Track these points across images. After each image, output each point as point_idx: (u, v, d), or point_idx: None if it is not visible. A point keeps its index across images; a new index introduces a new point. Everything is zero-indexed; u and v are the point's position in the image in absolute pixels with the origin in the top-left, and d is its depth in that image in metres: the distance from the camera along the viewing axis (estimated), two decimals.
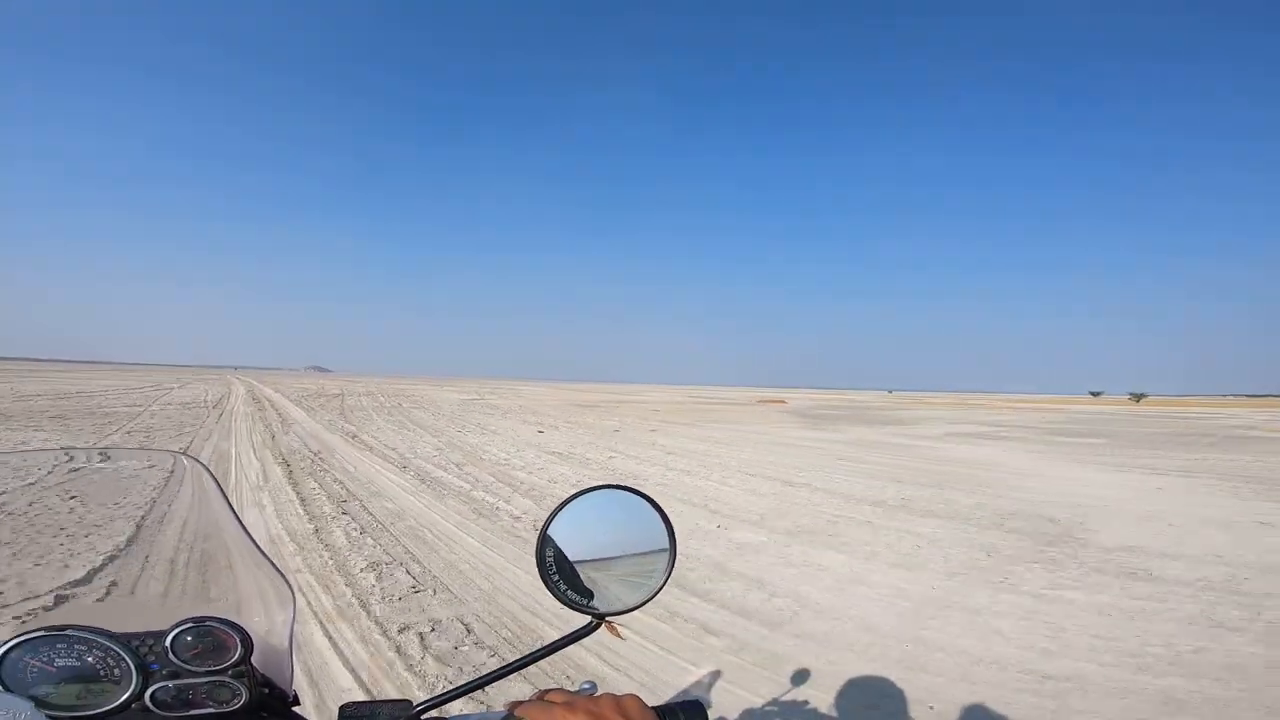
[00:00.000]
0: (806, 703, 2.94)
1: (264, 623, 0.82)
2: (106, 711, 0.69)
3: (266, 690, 0.77)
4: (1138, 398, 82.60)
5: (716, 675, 3.16)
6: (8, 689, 0.66)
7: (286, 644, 0.81)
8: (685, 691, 2.98)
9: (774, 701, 2.94)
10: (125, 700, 0.69)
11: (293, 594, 0.84)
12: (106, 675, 0.69)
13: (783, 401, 53.38)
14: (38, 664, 0.68)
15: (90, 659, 0.69)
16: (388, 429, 16.35)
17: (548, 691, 0.67)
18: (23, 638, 0.68)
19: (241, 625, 0.74)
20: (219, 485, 0.94)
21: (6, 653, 0.67)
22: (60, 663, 0.68)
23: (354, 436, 14.22)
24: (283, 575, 0.85)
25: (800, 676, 3.21)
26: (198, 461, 0.99)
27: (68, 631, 0.69)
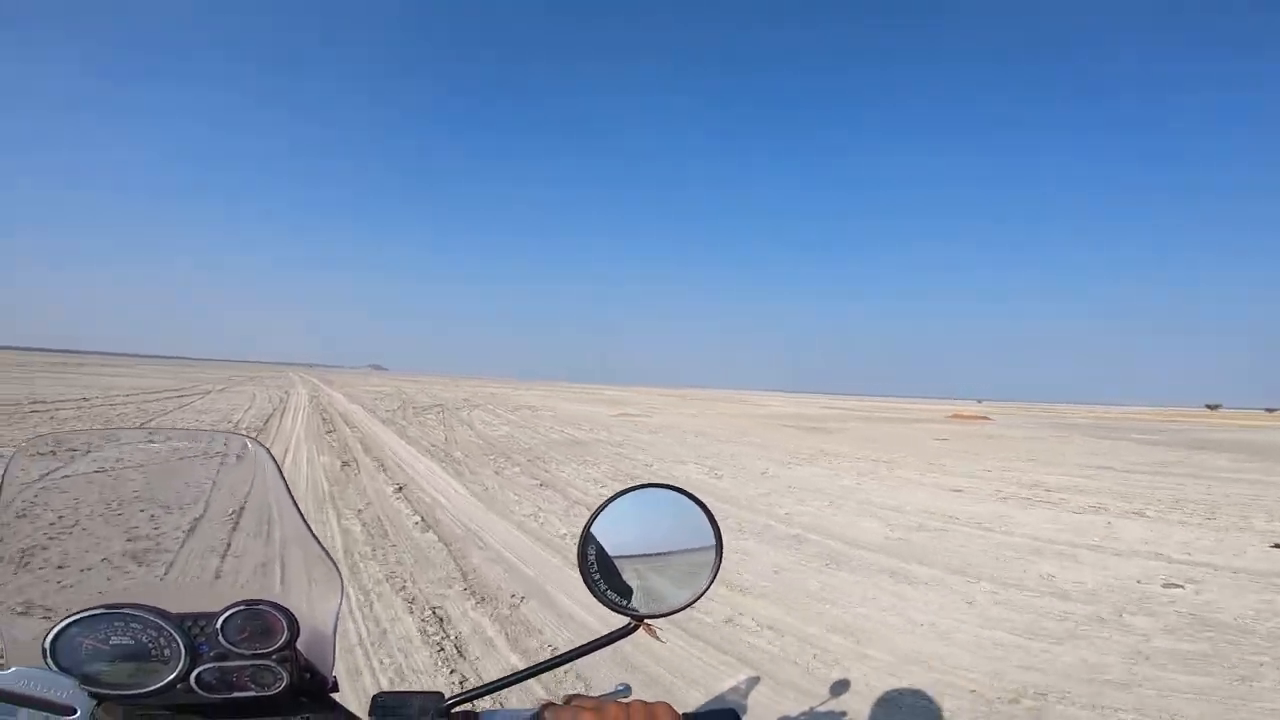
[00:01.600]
0: (844, 714, 2.73)
1: (310, 608, 0.80)
2: (152, 691, 0.68)
3: (309, 675, 0.76)
4: None
5: (754, 681, 2.95)
6: (61, 666, 0.66)
7: (331, 630, 0.80)
8: (721, 698, 2.80)
9: (809, 711, 2.77)
10: (171, 680, 0.69)
11: (341, 581, 0.82)
12: (157, 655, 0.69)
13: (986, 418, 39.82)
14: (92, 642, 0.68)
15: (143, 638, 0.69)
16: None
17: (575, 696, 0.68)
18: (79, 615, 0.68)
19: (289, 609, 0.73)
20: (278, 468, 0.90)
21: (62, 630, 0.67)
22: (115, 641, 0.68)
23: None
24: (333, 561, 0.82)
25: (839, 686, 2.96)
26: (259, 444, 0.94)
27: (124, 610, 0.69)
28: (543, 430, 15.94)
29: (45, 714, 0.59)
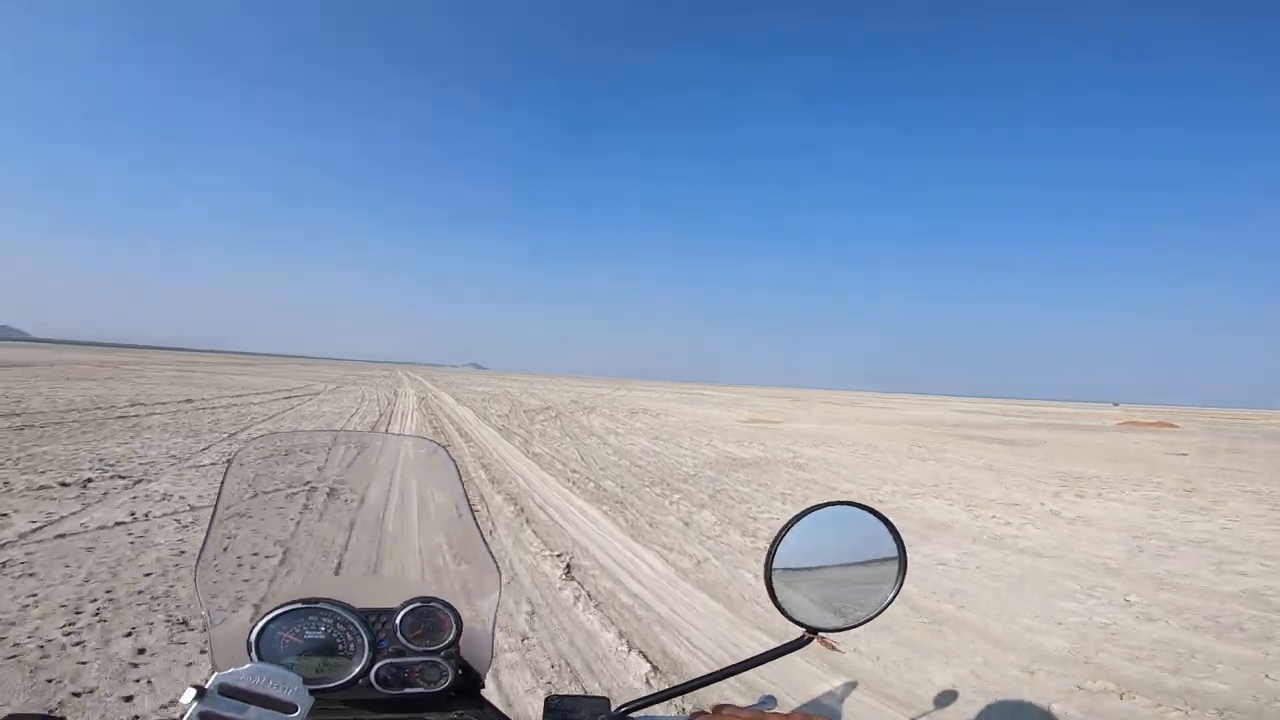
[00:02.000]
0: None
1: (471, 605, 0.84)
2: (341, 685, 0.72)
3: (462, 673, 0.78)
4: None
5: (851, 686, 2.75)
6: (261, 659, 0.71)
7: (490, 628, 0.84)
8: (816, 701, 2.61)
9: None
10: (355, 675, 0.72)
11: (499, 580, 0.86)
12: (344, 650, 0.73)
13: (1171, 425, 32.96)
14: (290, 636, 0.72)
15: (333, 633, 0.73)
16: None
17: (723, 705, 0.65)
18: (284, 609, 0.72)
19: (454, 607, 0.77)
20: (457, 468, 0.97)
21: (268, 623, 0.72)
22: (309, 635, 0.73)
23: None
24: (494, 560, 0.87)
25: (944, 697, 2.72)
26: (441, 446, 1.03)
27: (320, 605, 0.73)
28: (686, 444, 12.99)
29: (271, 710, 0.56)
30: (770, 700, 0.76)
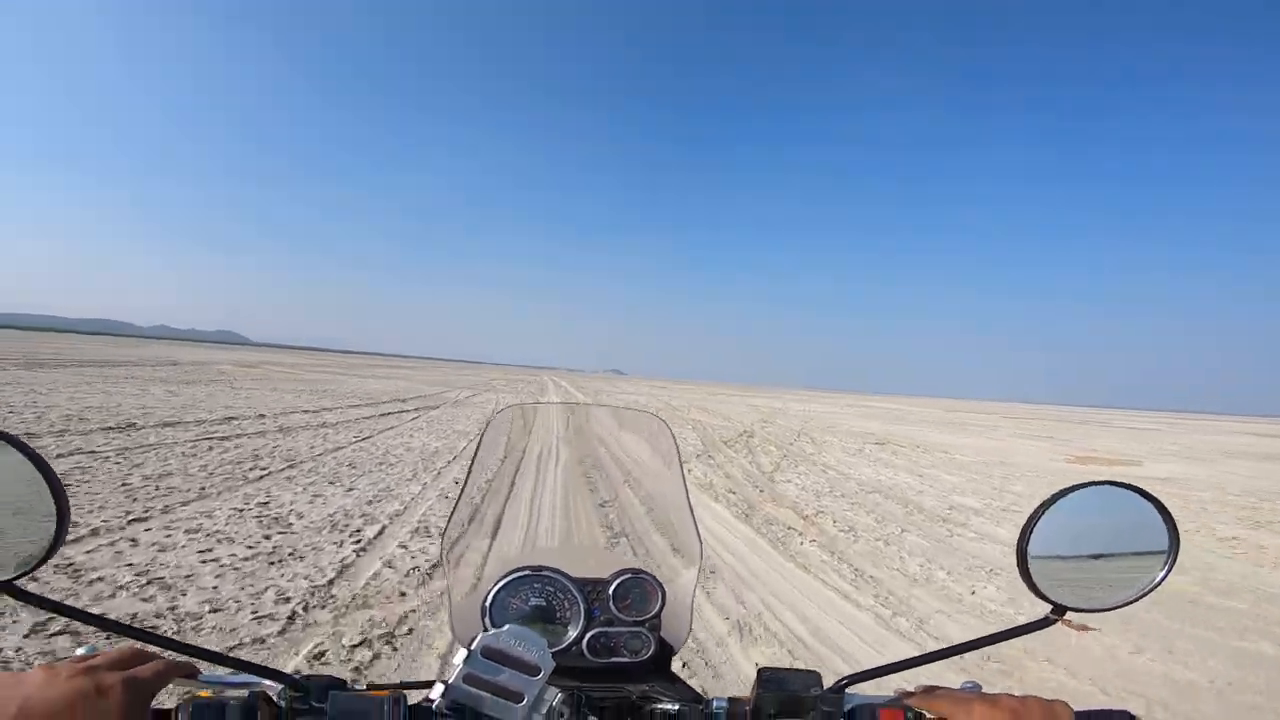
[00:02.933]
0: None
1: (673, 577, 0.87)
2: (555, 650, 0.70)
3: (659, 646, 0.80)
4: None
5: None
6: (494, 622, 0.76)
7: (689, 602, 0.87)
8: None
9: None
10: (570, 643, 0.76)
11: (700, 553, 0.87)
12: (561, 617, 0.78)
13: None
14: (516, 601, 0.78)
15: (553, 601, 0.78)
16: None
17: (934, 687, 0.65)
18: (513, 575, 0.79)
19: (660, 581, 0.81)
20: (676, 444, 0.99)
21: (500, 589, 0.78)
22: (533, 601, 0.78)
23: None
24: (698, 534, 0.89)
25: None
26: (663, 421, 1.04)
27: (545, 572, 0.79)
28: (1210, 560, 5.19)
29: (518, 672, 0.59)
30: (975, 685, 0.66)
